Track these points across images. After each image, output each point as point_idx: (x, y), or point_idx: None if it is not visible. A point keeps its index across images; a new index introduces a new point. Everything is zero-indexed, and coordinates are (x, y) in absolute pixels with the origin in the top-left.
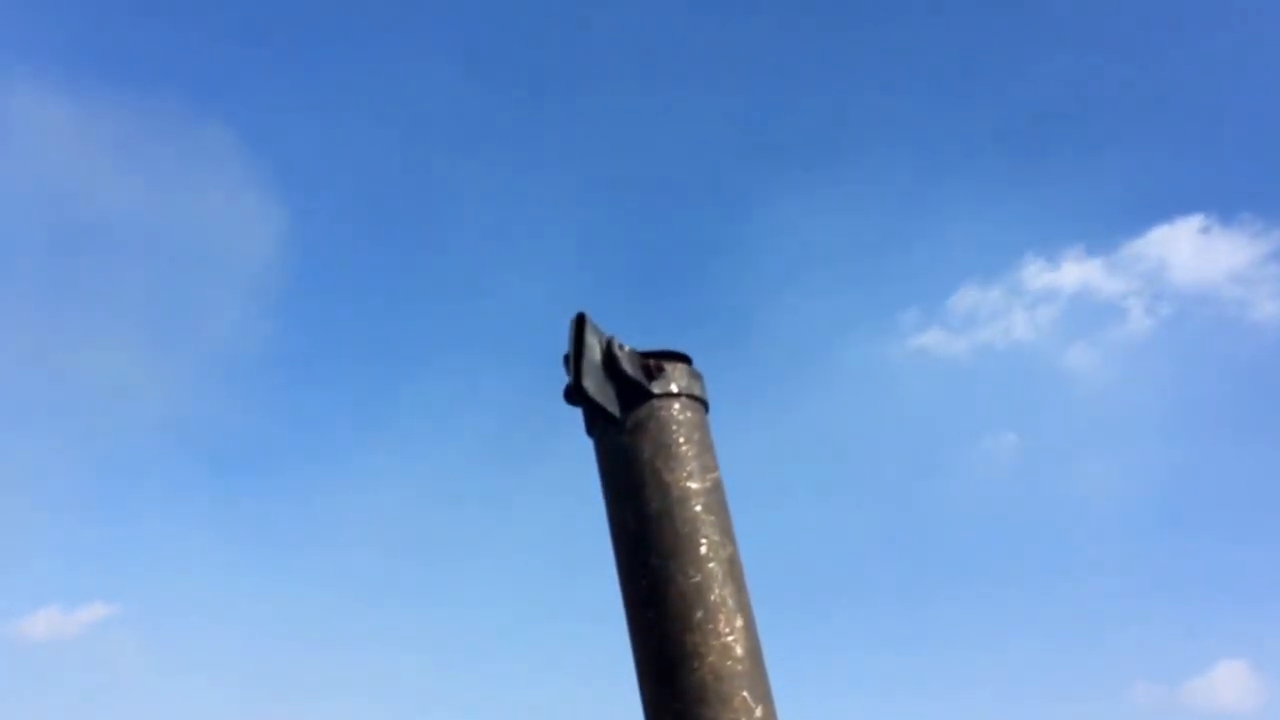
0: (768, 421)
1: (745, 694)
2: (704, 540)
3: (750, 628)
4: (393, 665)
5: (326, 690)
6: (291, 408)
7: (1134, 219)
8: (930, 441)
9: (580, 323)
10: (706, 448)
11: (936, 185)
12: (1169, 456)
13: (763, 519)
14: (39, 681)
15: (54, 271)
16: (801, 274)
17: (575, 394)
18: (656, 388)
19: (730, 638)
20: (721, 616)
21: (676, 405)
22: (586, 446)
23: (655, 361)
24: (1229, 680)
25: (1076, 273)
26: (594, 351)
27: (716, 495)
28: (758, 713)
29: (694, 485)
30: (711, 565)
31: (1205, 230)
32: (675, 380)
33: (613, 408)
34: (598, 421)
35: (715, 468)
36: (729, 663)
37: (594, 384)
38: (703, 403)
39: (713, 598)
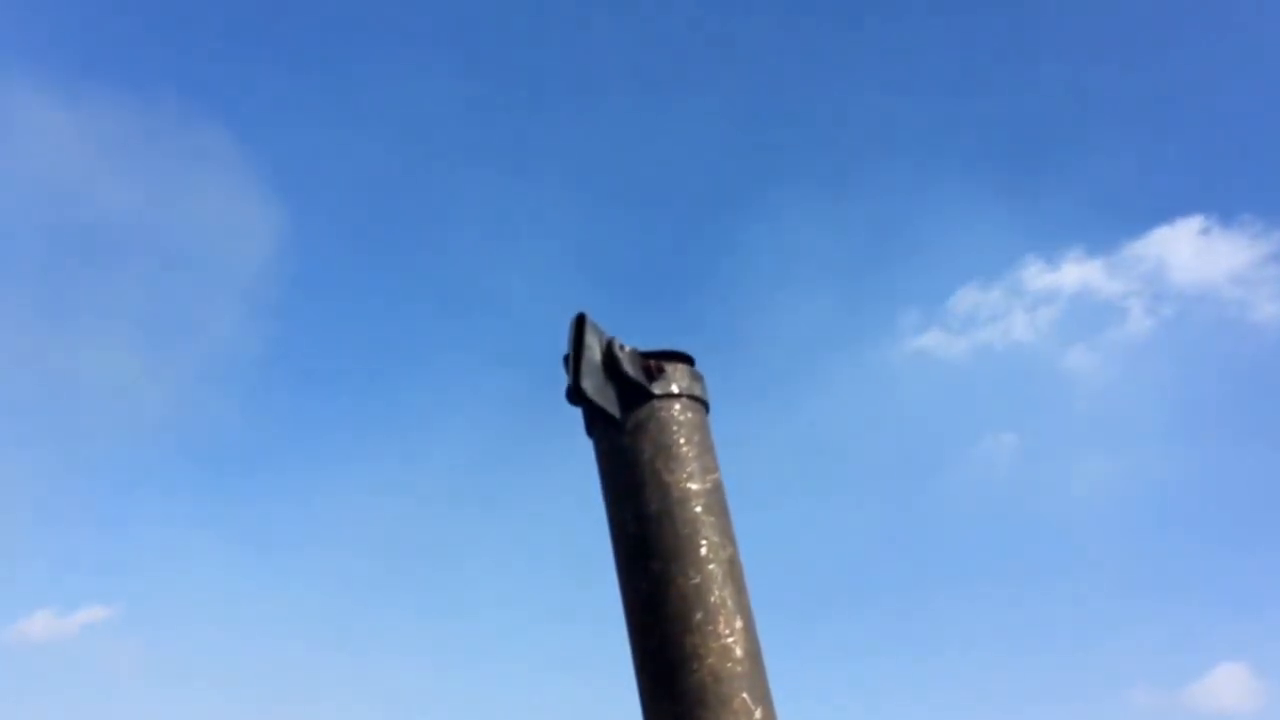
0: (768, 422)
1: (745, 696)
2: (704, 541)
3: (750, 629)
4: (391, 668)
5: (325, 692)
6: (290, 410)
7: (1134, 220)
8: (930, 442)
9: (580, 323)
10: (707, 449)
11: (937, 186)
12: (1169, 458)
13: (763, 520)
14: (36, 683)
15: (52, 273)
16: (802, 275)
17: (574, 395)
18: (657, 388)
19: (730, 639)
20: (721, 618)
21: (677, 406)
22: (586, 448)
23: (656, 362)
24: (1229, 683)
25: (1077, 274)
26: (594, 352)
27: (717, 496)
28: (757, 714)
29: (694, 486)
30: (711, 567)
31: (1205, 231)
32: (676, 381)
33: (613, 409)
34: (598, 422)
35: (716, 469)
36: (729, 664)
37: (594, 385)
38: (703, 404)
39: (713, 599)
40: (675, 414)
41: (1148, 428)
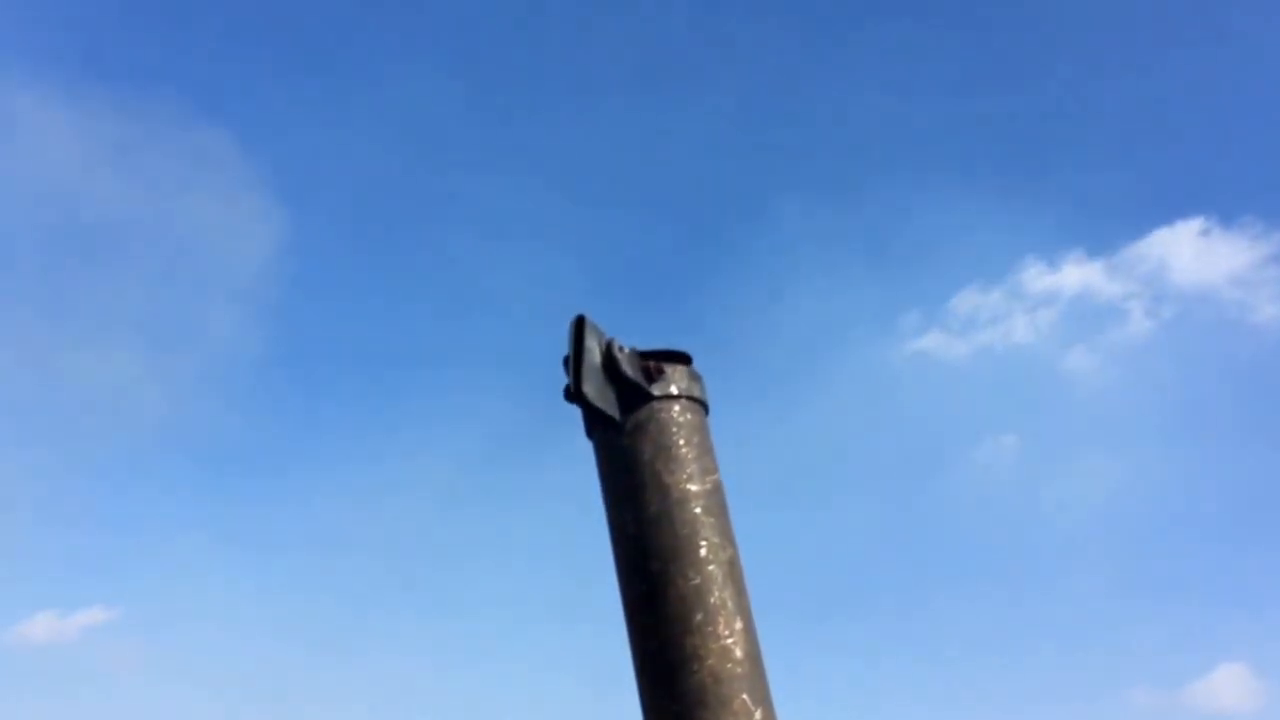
0: (768, 424)
1: (745, 697)
2: (704, 543)
3: (750, 630)
4: (391, 668)
5: (325, 694)
6: (290, 412)
7: (1134, 221)
8: (931, 444)
9: (580, 325)
10: (706, 450)
11: (937, 187)
12: (1169, 459)
13: (763, 521)
14: (36, 685)
15: (52, 274)
16: (802, 276)
17: (574, 397)
18: (657, 390)
19: (730, 640)
20: (721, 619)
21: (677, 407)
22: (586, 449)
23: (655, 364)
24: (1229, 683)
25: (1077, 275)
26: (594, 354)
27: (716, 497)
28: (757, 715)
29: (694, 487)
30: (711, 568)
31: (1205, 233)
32: (675, 382)
33: (612, 410)
34: (597, 424)
35: (715, 470)
36: (729, 665)
37: (593, 387)
38: (703, 405)
39: (712, 600)
40: (675, 415)
41: (1148, 429)
